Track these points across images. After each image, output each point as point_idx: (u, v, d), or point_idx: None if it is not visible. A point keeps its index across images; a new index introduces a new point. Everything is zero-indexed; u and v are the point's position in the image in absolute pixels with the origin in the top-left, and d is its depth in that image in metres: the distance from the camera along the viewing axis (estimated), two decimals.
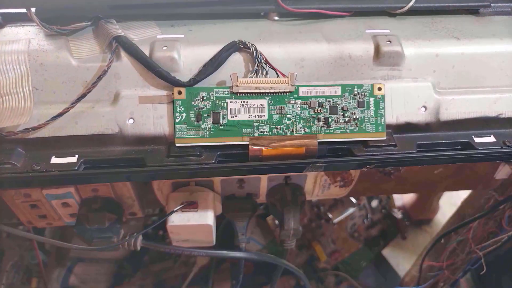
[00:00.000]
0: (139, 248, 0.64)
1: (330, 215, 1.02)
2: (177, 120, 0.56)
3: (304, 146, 0.56)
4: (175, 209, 0.61)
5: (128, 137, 0.55)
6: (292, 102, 0.58)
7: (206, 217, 0.63)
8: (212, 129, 0.57)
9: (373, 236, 1.03)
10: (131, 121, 0.56)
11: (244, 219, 0.71)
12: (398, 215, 1.05)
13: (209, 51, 0.56)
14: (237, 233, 0.69)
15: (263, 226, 0.97)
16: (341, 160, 0.55)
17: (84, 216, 0.62)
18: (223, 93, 0.57)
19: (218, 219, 0.67)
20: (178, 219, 0.63)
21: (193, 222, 0.62)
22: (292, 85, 0.56)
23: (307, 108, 0.57)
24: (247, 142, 0.56)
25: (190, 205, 0.63)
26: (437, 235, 0.86)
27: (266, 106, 0.58)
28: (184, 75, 0.56)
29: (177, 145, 0.56)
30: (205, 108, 0.56)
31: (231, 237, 0.71)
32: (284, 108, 0.57)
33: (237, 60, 0.57)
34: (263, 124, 0.57)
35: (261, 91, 0.56)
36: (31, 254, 0.81)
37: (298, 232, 0.67)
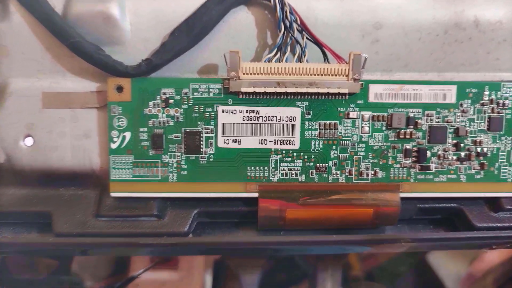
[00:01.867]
0: None
1: None
2: (113, 146, 0.37)
3: (373, 205, 0.38)
4: (138, 273, 0.45)
5: (23, 172, 0.39)
6: (353, 115, 0.38)
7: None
8: (184, 167, 0.38)
9: None
10: (28, 141, 0.38)
11: (255, 270, 0.49)
12: None
13: (183, 3, 0.38)
14: None
15: None
16: (444, 237, 0.39)
17: None
18: (209, 93, 0.37)
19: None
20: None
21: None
22: (355, 79, 0.36)
23: (384, 129, 0.38)
24: (255, 194, 0.38)
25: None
26: None
27: (297, 123, 0.38)
28: (131, 53, 0.38)
29: (112, 194, 0.38)
30: (172, 124, 0.37)
31: None
32: (335, 128, 0.38)
33: (241, 23, 0.39)
34: (289, 159, 0.38)
35: (288, 90, 0.36)
36: None
37: None
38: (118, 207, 0.38)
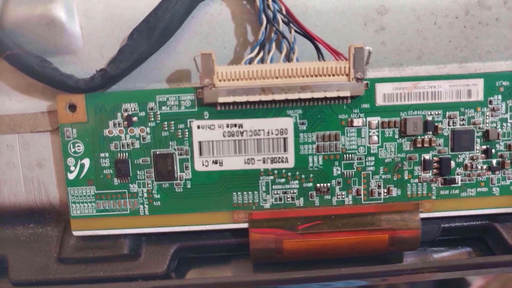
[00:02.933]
0: None
1: None
2: (71, 176, 0.34)
3: (388, 229, 0.34)
4: None
5: None
6: (357, 123, 0.34)
7: None
8: (157, 197, 0.35)
9: None
10: None
11: None
12: None
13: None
14: None
15: None
16: (477, 263, 0.34)
17: None
18: (180, 106, 0.34)
19: None
20: None
21: None
22: (358, 78, 0.33)
23: (397, 137, 0.35)
24: (244, 224, 0.35)
25: None
26: None
27: (290, 136, 0.34)
28: (85, 63, 0.34)
29: (75, 233, 0.35)
30: (137, 146, 0.34)
31: None
32: (337, 140, 0.35)
33: (213, 18, 0.35)
34: (283, 180, 0.35)
35: (276, 97, 0.33)
36: None
37: None
38: (83, 247, 0.34)
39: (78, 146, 0.32)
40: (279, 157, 0.33)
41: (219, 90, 0.31)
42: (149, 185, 0.33)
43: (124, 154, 0.33)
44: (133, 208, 0.33)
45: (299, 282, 0.33)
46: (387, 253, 0.35)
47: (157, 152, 0.33)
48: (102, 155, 0.33)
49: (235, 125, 0.33)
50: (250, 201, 0.34)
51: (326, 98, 0.32)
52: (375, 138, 0.33)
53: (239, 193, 0.34)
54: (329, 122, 0.33)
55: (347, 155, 0.34)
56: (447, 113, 0.33)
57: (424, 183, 0.34)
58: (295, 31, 0.32)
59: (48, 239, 0.35)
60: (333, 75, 0.31)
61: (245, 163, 0.33)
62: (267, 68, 0.31)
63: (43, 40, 0.32)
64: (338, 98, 0.32)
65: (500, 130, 0.33)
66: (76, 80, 0.31)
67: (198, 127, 0.32)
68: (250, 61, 0.32)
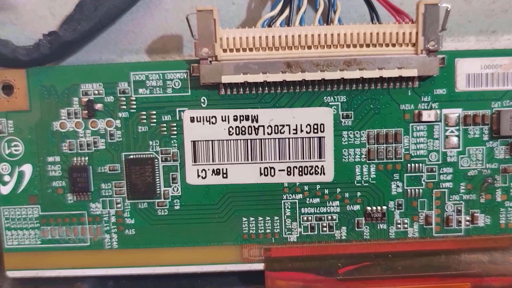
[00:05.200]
0: None
1: None
2: (4, 190, 0.28)
3: (473, 275, 0.28)
4: None
5: None
6: (428, 117, 0.27)
7: None
8: (130, 222, 0.28)
9: None
10: None
11: None
12: None
13: None
14: None
15: None
16: None
17: None
18: (165, 87, 0.27)
19: None
20: None
21: None
22: (430, 50, 0.26)
23: (487, 139, 0.28)
24: (259, 265, 0.29)
25: None
26: None
27: (328, 135, 0.27)
28: (28, 24, 0.28)
29: (10, 274, 0.29)
30: (102, 146, 0.28)
31: None
32: (397, 141, 0.28)
33: None
34: (317, 201, 0.28)
35: (308, 76, 0.26)
36: None
37: None
38: None
39: (15, 145, 0.28)
40: (312, 167, 0.28)
41: (223, 65, 0.27)
42: (119, 205, 0.29)
43: (82, 159, 0.28)
44: (95, 238, 0.29)
45: None
46: None
47: (131, 157, 0.29)
48: (50, 159, 0.29)
49: (247, 118, 0.28)
50: (268, 230, 0.29)
51: (382, 79, 0.28)
52: (455, 140, 0.28)
53: (251, 218, 0.29)
54: (386, 115, 0.28)
55: (412, 165, 0.29)
56: None
57: None
58: None
59: None
60: (393, 45, 0.27)
61: (261, 174, 0.28)
62: (295, 32, 0.27)
63: None
64: (400, 79, 0.28)
65: None
66: (14, 48, 0.27)
67: (192, 119, 0.28)
68: (270, 23, 0.28)
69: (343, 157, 0.28)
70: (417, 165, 0.28)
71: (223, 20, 0.28)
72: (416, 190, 0.29)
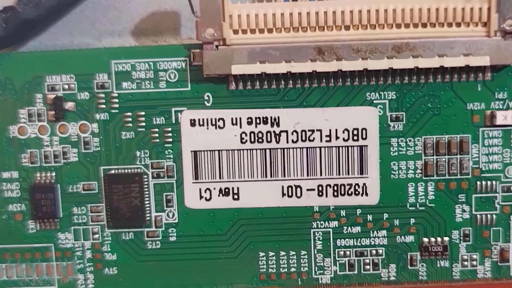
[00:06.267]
0: None
1: None
2: None
3: None
4: None
5: None
6: (503, 120, 0.24)
7: None
8: (111, 258, 0.24)
9: None
10: None
11: None
12: None
13: None
14: None
15: None
16: None
17: None
18: (157, 81, 0.23)
19: None
20: None
21: None
22: (506, 32, 0.22)
23: None
24: None
25: None
26: None
27: (373, 143, 0.23)
28: None
29: None
30: (74, 158, 0.24)
31: None
32: (463, 152, 0.23)
33: None
34: (357, 230, 0.24)
35: (347, 66, 0.22)
36: None
37: None
38: None
39: None
40: (351, 185, 0.26)
41: (234, 51, 0.26)
42: (97, 236, 0.25)
43: (48, 175, 0.24)
44: (65, 279, 0.26)
45: None
46: None
47: (112, 172, 0.25)
48: (5, 175, 0.25)
49: (265, 121, 0.25)
50: (293, 269, 0.26)
51: (443, 70, 0.27)
52: None
53: (270, 253, 0.26)
54: (449, 118, 0.26)
55: (483, 183, 0.26)
56: None
57: None
58: None
59: None
60: (458, 25, 0.24)
61: (283, 195, 0.26)
62: (329, 8, 0.25)
63: None
64: (468, 69, 0.26)
65: None
66: None
67: (193, 122, 0.25)
68: None
69: (392, 172, 0.24)
70: (489, 182, 0.25)
71: None
72: (488, 215, 0.25)
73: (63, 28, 0.25)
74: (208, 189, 0.24)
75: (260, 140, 0.23)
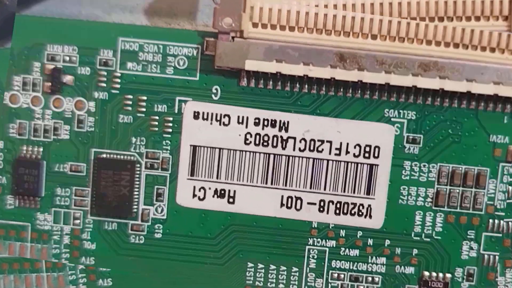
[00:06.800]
0: None
1: None
2: None
3: None
4: None
5: None
6: None
7: None
8: (90, 247, 0.22)
9: None
10: None
11: None
12: None
13: None
14: None
15: None
16: None
17: None
18: (165, 66, 0.22)
19: None
20: None
21: None
22: None
23: None
24: None
25: None
26: None
27: (385, 162, 0.22)
28: None
29: None
30: (66, 136, 0.23)
31: None
32: (479, 186, 0.22)
33: None
34: (355, 253, 0.23)
35: (369, 77, 0.21)
36: None
37: None
38: None
39: None
40: (355, 205, 0.25)
41: (251, 45, 0.24)
42: (78, 221, 0.24)
43: (35, 149, 0.23)
44: (38, 265, 0.24)
45: None
46: None
47: (104, 156, 0.23)
48: None
49: (274, 123, 0.24)
50: (281, 285, 0.24)
51: (469, 95, 0.24)
52: None
53: (259, 265, 0.25)
54: (470, 147, 0.25)
55: (496, 222, 0.26)
56: None
57: None
58: None
59: None
60: (492, 50, 0.22)
61: (282, 205, 0.25)
62: (356, 13, 0.22)
63: None
64: (496, 99, 0.24)
65: None
66: None
67: (197, 115, 0.24)
68: None
69: (401, 197, 0.23)
70: (502, 222, 0.23)
71: None
72: (497, 257, 0.24)
73: None
74: (203, 187, 0.23)
75: (265, 143, 0.23)
